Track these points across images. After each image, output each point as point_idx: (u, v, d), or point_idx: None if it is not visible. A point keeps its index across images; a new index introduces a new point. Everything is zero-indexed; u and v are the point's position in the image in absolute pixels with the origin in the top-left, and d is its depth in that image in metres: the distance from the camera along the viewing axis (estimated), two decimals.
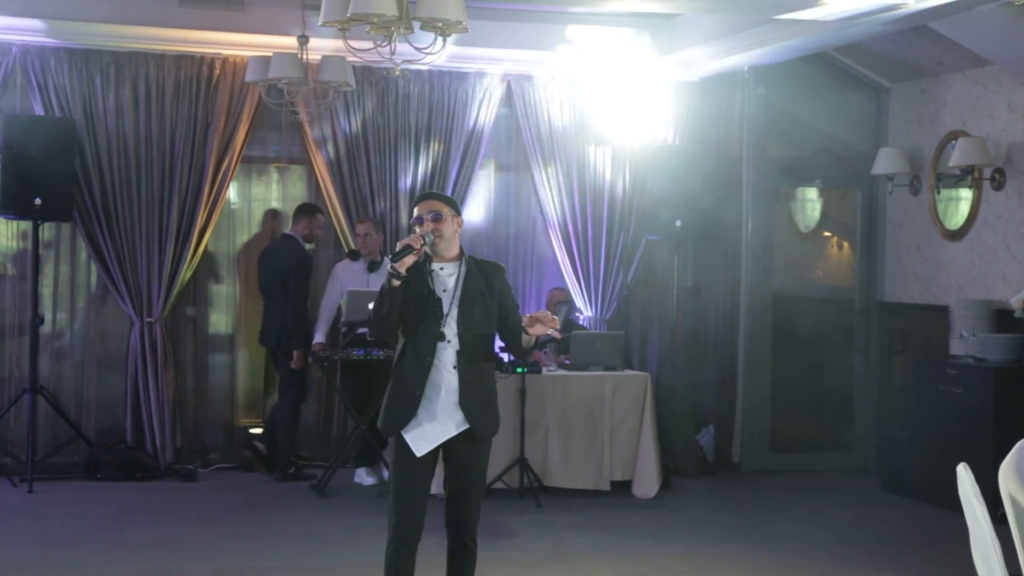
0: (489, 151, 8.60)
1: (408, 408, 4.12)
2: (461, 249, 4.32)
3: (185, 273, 8.07)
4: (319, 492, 7.42)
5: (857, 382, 8.95)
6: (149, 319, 7.98)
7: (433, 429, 4.15)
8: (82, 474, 7.71)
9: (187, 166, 8.01)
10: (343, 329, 7.73)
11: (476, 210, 8.65)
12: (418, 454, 4.14)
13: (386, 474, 7.75)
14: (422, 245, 4.12)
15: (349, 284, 7.69)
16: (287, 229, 8.11)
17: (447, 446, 4.19)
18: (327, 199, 8.32)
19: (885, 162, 8.35)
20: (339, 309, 7.84)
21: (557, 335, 4.27)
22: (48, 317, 7.93)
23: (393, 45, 5.10)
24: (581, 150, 8.61)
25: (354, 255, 7.94)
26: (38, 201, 7.41)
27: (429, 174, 8.40)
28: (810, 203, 9.20)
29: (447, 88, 8.38)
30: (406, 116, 8.36)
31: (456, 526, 4.24)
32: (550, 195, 8.57)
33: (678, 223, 8.34)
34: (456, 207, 4.35)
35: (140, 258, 7.96)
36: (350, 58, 7.21)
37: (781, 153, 8.89)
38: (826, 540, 6.48)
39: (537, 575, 5.61)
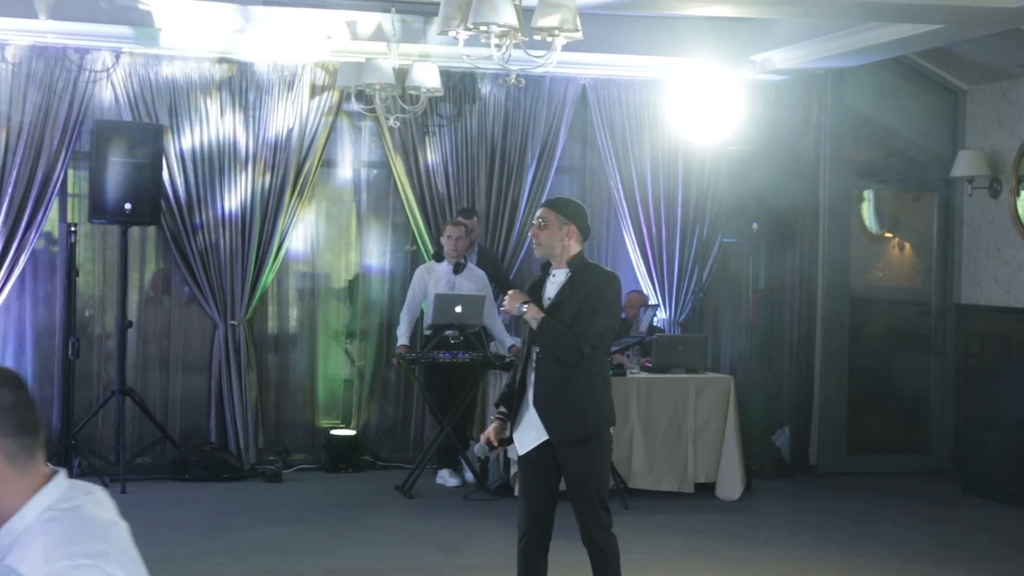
0: (564, 152, 8.65)
1: (515, 412, 4.40)
2: (576, 256, 4.39)
3: (267, 276, 8.16)
4: (405, 493, 7.47)
5: (933, 384, 8.92)
6: (232, 322, 8.07)
7: (528, 431, 4.35)
8: (169, 474, 7.80)
9: (269, 170, 8.09)
10: (427, 332, 7.77)
11: None
12: (520, 452, 4.36)
13: (468, 476, 7.82)
14: None
15: (433, 287, 7.72)
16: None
17: (557, 450, 4.30)
18: (405, 203, 8.39)
19: (965, 164, 8.33)
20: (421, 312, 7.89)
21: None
22: (134, 320, 8.02)
23: (508, 53, 5.14)
24: (656, 152, 8.65)
25: (438, 257, 7.94)
26: (128, 206, 7.51)
27: (506, 178, 8.46)
28: (880, 205, 9.18)
29: (524, 92, 8.42)
30: (483, 120, 8.42)
31: (580, 528, 4.34)
32: (624, 197, 8.61)
33: (755, 226, 8.39)
34: (569, 214, 4.41)
35: (224, 261, 8.04)
36: (438, 64, 7.33)
37: (856, 155, 8.88)
38: (924, 543, 6.49)
39: None
